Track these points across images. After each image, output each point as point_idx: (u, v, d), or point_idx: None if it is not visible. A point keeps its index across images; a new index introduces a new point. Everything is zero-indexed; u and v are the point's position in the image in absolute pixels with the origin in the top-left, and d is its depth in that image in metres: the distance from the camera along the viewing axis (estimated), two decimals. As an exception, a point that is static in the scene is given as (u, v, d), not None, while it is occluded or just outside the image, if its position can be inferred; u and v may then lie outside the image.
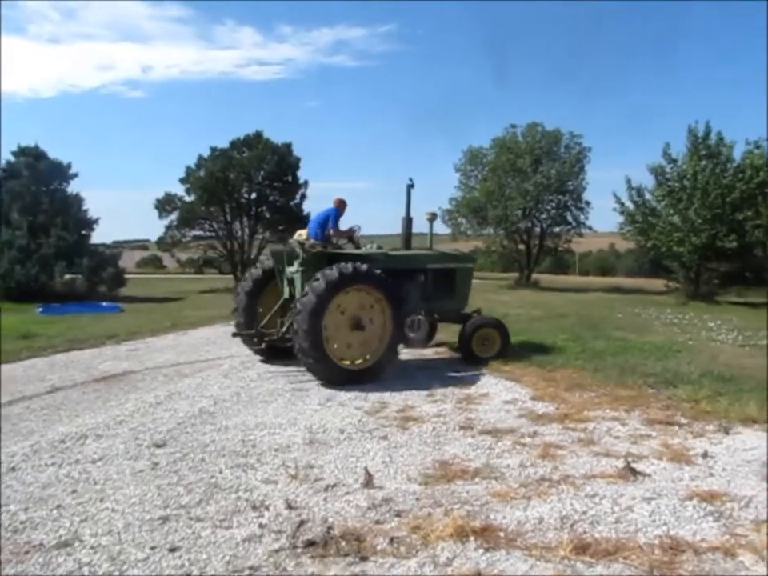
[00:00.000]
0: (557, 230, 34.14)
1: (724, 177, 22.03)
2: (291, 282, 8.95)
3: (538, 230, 34.10)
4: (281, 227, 30.35)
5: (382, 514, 3.90)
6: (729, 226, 21.64)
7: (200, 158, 27.82)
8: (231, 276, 30.13)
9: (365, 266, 8.14)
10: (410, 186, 9.82)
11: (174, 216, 28.07)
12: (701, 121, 23.10)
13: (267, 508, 4.02)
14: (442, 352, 10.57)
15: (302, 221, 30.43)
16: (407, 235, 9.97)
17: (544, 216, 33.34)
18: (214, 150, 28.01)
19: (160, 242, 29.64)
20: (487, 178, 32.76)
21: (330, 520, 3.82)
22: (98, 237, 30.92)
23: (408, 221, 9.93)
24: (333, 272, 7.91)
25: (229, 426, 6.03)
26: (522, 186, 31.20)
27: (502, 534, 3.58)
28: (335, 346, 8.06)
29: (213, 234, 29.73)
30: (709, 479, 4.45)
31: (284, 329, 8.74)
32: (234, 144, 28.39)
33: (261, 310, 9.55)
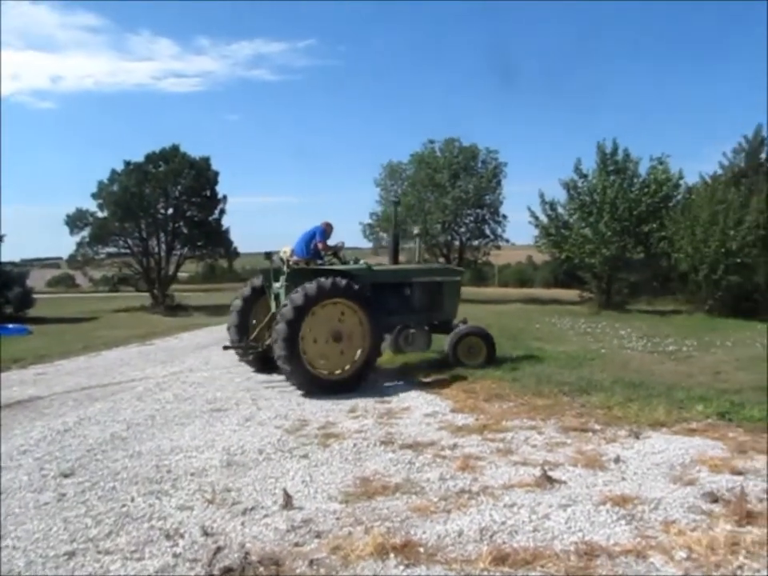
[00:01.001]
0: (476, 243, 34.90)
1: (631, 191, 23.09)
2: (277, 297, 9.21)
3: (457, 243, 34.72)
4: (199, 243, 29.75)
5: (302, 536, 3.82)
6: (636, 238, 22.68)
7: (113, 172, 26.89)
8: (148, 294, 29.24)
9: (343, 281, 8.47)
10: (396, 204, 10.32)
11: (85, 232, 26.97)
12: (609, 137, 24.26)
13: (182, 536, 3.87)
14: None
15: (221, 236, 29.97)
16: (395, 250, 10.44)
17: (463, 229, 34.04)
18: (128, 164, 27.14)
19: (71, 260, 28.42)
20: (407, 192, 33.14)
21: (248, 545, 3.71)
22: (5, 255, 29.43)
23: (395, 236, 10.51)
24: (311, 286, 8.26)
25: (142, 451, 5.80)
26: (441, 200, 31.75)
27: (422, 550, 3.56)
28: (313, 356, 8.36)
29: (128, 250, 28.76)
30: (621, 483, 4.58)
31: (268, 341, 8.89)
32: (150, 158, 27.62)
33: (254, 322, 9.87)
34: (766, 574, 3.22)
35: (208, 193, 28.46)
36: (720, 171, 30.14)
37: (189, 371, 10.47)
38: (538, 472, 4.71)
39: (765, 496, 4.25)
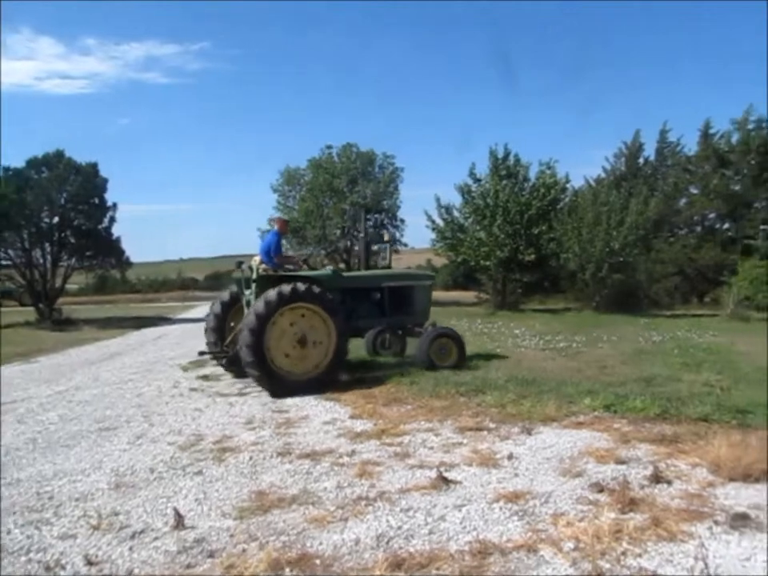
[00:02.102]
0: (375, 248, 35.05)
1: (522, 195, 23.99)
2: (248, 303, 9.37)
3: (357, 248, 34.85)
4: (88, 253, 28.31)
5: (194, 557, 3.68)
6: (527, 240, 23.57)
7: (-11, 178, 25.13)
8: (33, 308, 27.54)
9: (304, 286, 8.68)
10: (367, 211, 10.54)
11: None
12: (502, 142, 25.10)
13: (63, 567, 3.63)
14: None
15: (111, 245, 28.64)
16: (366, 256, 11.10)
17: (362, 235, 34.10)
18: (7, 169, 25.43)
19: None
20: (305, 198, 32.99)
21: (136, 571, 3.53)
22: None
23: (366, 243, 11.18)
24: (272, 292, 8.53)
25: (21, 478, 5.41)
26: (339, 205, 31.80)
27: (318, 561, 3.51)
28: (281, 360, 8.64)
29: (9, 262, 26.94)
30: (514, 480, 4.70)
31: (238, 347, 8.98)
32: (32, 163, 25.99)
33: (232, 325, 10.06)
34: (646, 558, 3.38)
35: (96, 200, 27.15)
36: (603, 175, 31.86)
37: (76, 389, 9.92)
38: (434, 474, 4.76)
39: (646, 483, 4.47)
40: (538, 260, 23.95)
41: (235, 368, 9.67)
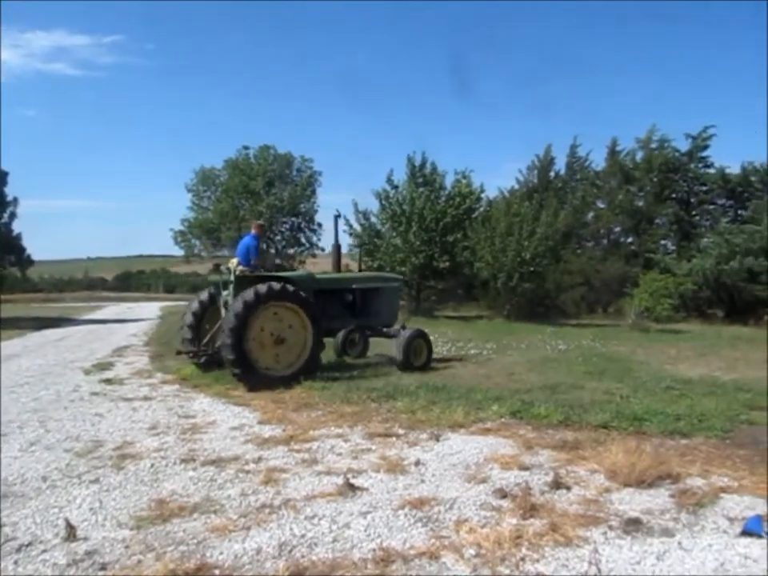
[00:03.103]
0: (291, 251, 34.83)
1: (438, 203, 24.35)
2: (226, 304, 9.68)
3: (273, 251, 34.43)
4: (-15, 249, 26.78)
5: (85, 570, 3.49)
6: (442, 247, 23.94)
7: None
8: None
9: (278, 285, 9.05)
10: (337, 217, 11.40)
11: None
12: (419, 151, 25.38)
13: (-64, 585, 3.37)
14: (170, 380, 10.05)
15: (11, 242, 27.18)
16: (337, 260, 11.34)
17: (278, 237, 33.84)
18: None
19: None
20: (220, 199, 32.33)
21: (19, 586, 3.32)
22: None
23: (337, 247, 11.36)
24: (249, 292, 8.87)
25: None
26: (256, 207, 31.35)
27: (217, 572, 3.41)
28: (260, 357, 8.99)
29: None
30: (420, 486, 4.72)
31: (218, 343, 9.33)
32: None
33: (207, 327, 10.25)
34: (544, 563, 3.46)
35: (-5, 194, 25.72)
36: (516, 186, 32.78)
37: (-37, 393, 9.29)
38: (341, 480, 4.72)
39: (547, 488, 4.59)
40: (452, 267, 24.35)
41: (214, 367, 9.82)
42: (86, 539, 3.91)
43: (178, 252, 34.65)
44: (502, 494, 4.47)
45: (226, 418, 7.23)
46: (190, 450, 5.88)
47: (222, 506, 4.41)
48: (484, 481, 4.80)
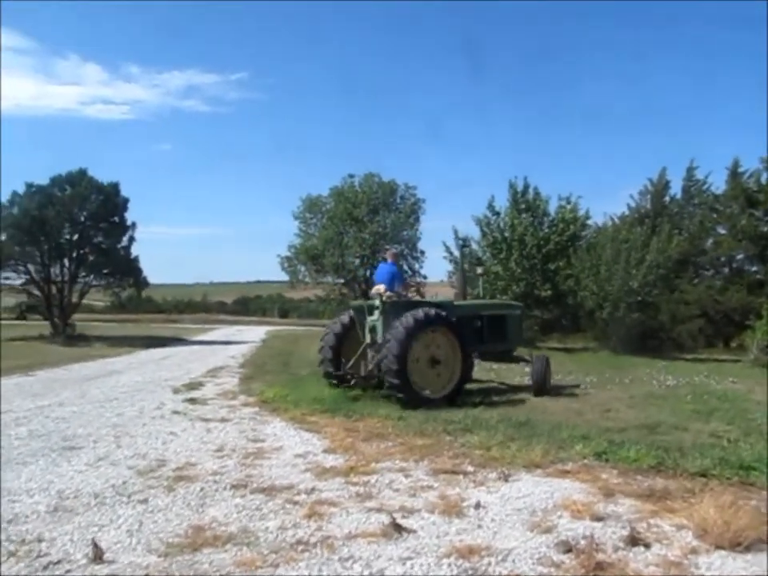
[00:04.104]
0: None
1: (541, 229, 23.47)
2: (373, 329, 10.11)
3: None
4: (105, 271, 28.43)
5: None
6: (543, 275, 22.97)
7: (14, 194, 25.44)
8: (48, 323, 27.63)
9: (432, 311, 9.60)
10: (464, 246, 13.33)
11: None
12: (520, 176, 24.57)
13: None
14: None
15: (129, 264, 28.74)
16: (463, 287, 12.18)
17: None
18: (30, 186, 25.73)
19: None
20: (326, 226, 32.80)
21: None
22: None
23: (463, 274, 12.49)
24: (408, 318, 9.28)
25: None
26: (359, 234, 31.55)
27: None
28: (419, 379, 9.37)
29: (28, 276, 27.13)
30: (475, 532, 4.24)
31: (370, 367, 10.05)
32: (55, 181, 26.30)
33: (346, 349, 10.64)
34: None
35: (116, 219, 27.30)
36: (627, 213, 31.23)
37: (58, 405, 9.66)
38: (389, 519, 4.32)
39: (621, 544, 4.00)
40: (554, 296, 23.31)
41: (360, 385, 10.32)
42: (111, 562, 3.78)
43: (284, 277, 35.35)
44: (567, 547, 3.92)
45: (294, 445, 7.00)
46: (247, 476, 5.68)
47: (257, 538, 4.13)
48: (548, 530, 4.25)
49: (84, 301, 30.76)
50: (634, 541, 4.00)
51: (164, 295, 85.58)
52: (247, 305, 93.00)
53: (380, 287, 10.40)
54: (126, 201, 27.85)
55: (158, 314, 69.07)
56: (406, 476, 5.62)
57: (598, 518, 4.46)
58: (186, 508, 4.80)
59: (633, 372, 15.60)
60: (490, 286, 23.53)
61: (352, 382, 10.27)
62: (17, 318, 41.70)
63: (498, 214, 24.21)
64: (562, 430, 7.30)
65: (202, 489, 5.25)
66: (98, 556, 3.80)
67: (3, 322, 38.68)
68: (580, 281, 22.22)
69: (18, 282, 27.92)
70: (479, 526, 4.36)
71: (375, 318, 10.06)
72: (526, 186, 24.05)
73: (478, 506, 4.73)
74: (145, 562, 3.77)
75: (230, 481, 5.50)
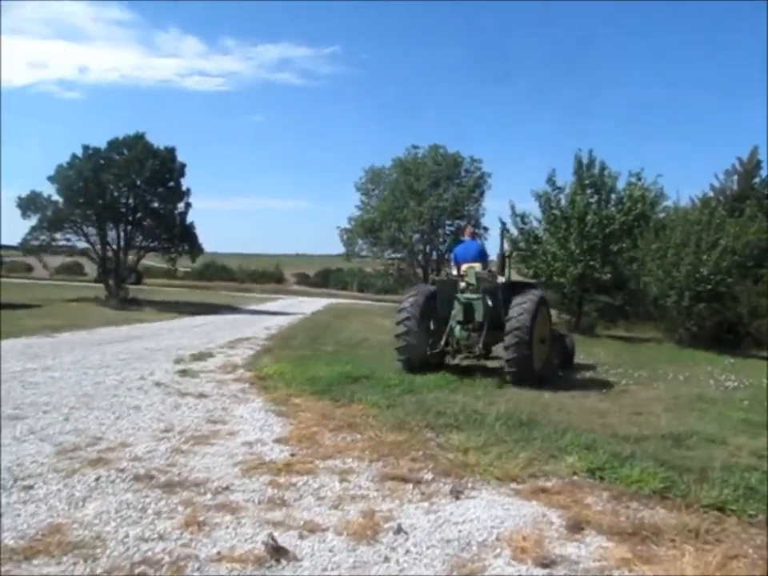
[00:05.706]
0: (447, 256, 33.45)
1: (606, 207, 21.70)
2: (468, 306, 10.09)
3: (435, 255, 33.25)
4: (164, 236, 28.50)
5: None
6: (604, 257, 21.22)
7: (73, 156, 25.60)
8: (102, 285, 28.01)
9: (541, 291, 10.46)
10: (504, 230, 13.00)
11: (39, 217, 25.60)
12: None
13: None
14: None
15: (185, 230, 28.70)
16: (502, 266, 11.62)
17: (441, 239, 32.58)
18: (86, 148, 25.87)
19: (24, 245, 27.02)
20: (385, 198, 31.86)
21: None
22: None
23: (502, 256, 11.74)
24: (529, 298, 9.69)
25: None
26: (418, 208, 30.42)
27: None
28: (534, 356, 9.63)
29: (83, 238, 27.44)
30: (376, 567, 3.32)
31: (480, 344, 10.02)
32: (113, 144, 26.35)
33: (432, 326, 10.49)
34: None
35: (172, 184, 27.21)
36: (711, 194, 28.78)
37: (43, 370, 9.17)
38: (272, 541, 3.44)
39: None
40: (615, 280, 21.53)
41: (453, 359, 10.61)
42: None
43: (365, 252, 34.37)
44: (479, 605, 2.94)
45: (251, 430, 6.21)
46: (167, 465, 4.92)
47: (105, 549, 3.35)
48: (472, 575, 3.26)
49: (158, 265, 30.87)
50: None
51: (240, 264, 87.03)
52: (328, 277, 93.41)
53: (475, 265, 10.46)
54: (183, 166, 27.68)
55: (233, 282, 70.60)
56: (343, 480, 4.70)
57: (544, 563, 3.42)
58: (64, 501, 4.07)
59: (692, 368, 14.04)
60: (547, 266, 22.05)
61: (462, 361, 10.62)
62: (95, 281, 42.84)
63: (559, 188, 22.46)
64: (566, 435, 6.19)
65: (98, 478, 4.51)
66: None
67: (60, 282, 39.83)
68: (645, 264, 20.41)
69: (79, 245, 28.31)
70: (386, 559, 3.42)
71: (474, 296, 10.08)
72: (592, 160, 22.15)
73: (398, 530, 3.77)
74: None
75: (143, 470, 4.75)
